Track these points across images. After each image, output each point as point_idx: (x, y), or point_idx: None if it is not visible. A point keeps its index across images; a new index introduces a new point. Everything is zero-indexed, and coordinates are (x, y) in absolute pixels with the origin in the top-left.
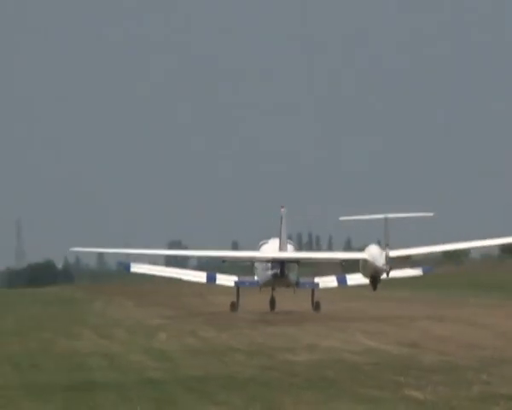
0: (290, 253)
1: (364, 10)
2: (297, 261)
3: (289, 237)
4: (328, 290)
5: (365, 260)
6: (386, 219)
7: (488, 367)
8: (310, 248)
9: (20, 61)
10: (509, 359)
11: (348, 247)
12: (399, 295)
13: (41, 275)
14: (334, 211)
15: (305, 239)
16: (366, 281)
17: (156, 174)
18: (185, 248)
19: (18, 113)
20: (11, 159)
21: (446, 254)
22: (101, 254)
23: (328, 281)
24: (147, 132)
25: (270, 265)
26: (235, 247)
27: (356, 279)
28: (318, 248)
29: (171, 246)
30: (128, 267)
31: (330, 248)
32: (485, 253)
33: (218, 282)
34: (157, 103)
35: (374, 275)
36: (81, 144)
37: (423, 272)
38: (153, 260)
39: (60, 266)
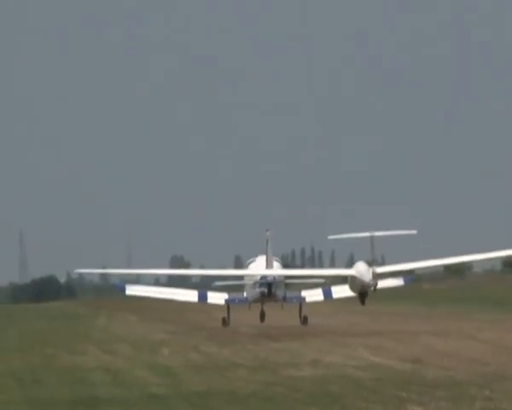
0: (278, 270)
1: (364, 10)
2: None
3: (292, 252)
4: (322, 304)
5: (353, 277)
6: (371, 237)
7: (491, 383)
8: (312, 263)
9: (20, 61)
10: (511, 374)
11: (351, 262)
12: (401, 310)
13: (44, 290)
14: (335, 226)
15: (307, 254)
16: (351, 293)
17: (156, 174)
18: (187, 263)
19: (18, 113)
20: (12, 165)
21: (447, 268)
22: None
23: (314, 294)
24: (147, 132)
25: (258, 283)
26: (237, 261)
27: (341, 292)
28: (320, 264)
29: (173, 261)
30: (123, 289)
31: (333, 264)
32: (488, 267)
33: (209, 300)
34: (157, 103)
35: (361, 291)
36: (81, 145)
37: (404, 282)
38: (156, 277)
39: (62, 281)
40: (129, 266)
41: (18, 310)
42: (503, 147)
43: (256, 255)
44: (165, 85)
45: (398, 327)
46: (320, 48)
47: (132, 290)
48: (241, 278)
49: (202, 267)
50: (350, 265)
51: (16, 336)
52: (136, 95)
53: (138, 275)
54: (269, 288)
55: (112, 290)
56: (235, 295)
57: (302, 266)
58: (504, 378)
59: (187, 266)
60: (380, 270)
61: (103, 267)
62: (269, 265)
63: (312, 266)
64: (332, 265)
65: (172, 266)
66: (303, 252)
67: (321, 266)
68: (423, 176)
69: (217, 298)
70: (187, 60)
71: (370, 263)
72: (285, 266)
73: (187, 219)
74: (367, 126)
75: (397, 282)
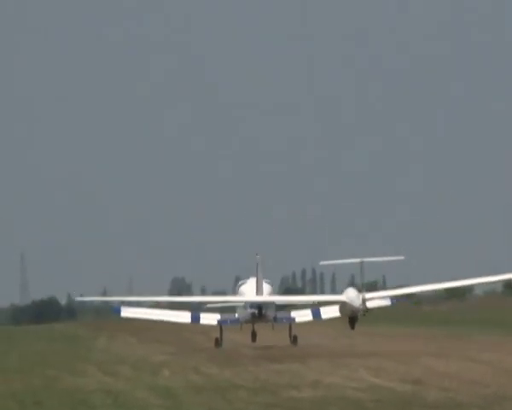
0: (267, 297)
1: (364, 10)
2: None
3: (293, 274)
4: (323, 326)
5: (343, 303)
6: (361, 263)
7: (491, 404)
8: (313, 285)
9: (19, 61)
10: (511, 396)
11: (352, 284)
12: (402, 331)
13: (45, 312)
14: (336, 249)
15: (308, 275)
16: (339, 314)
17: (156, 192)
18: (188, 285)
19: (18, 115)
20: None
21: (448, 290)
22: (105, 291)
23: (303, 315)
24: (146, 133)
25: (248, 304)
26: (238, 281)
27: (329, 312)
28: (322, 286)
29: (174, 283)
30: (118, 311)
31: (334, 286)
32: (489, 289)
33: (202, 321)
34: (157, 103)
35: (351, 316)
36: (81, 159)
37: (391, 303)
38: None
39: (63, 303)
40: (130, 288)
41: (18, 332)
42: (504, 147)
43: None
44: (165, 85)
45: (399, 349)
46: (320, 48)
47: (127, 312)
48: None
49: (203, 289)
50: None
51: (17, 357)
52: (136, 95)
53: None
54: (259, 309)
55: (112, 312)
56: (227, 315)
57: (303, 288)
58: (505, 400)
59: (188, 287)
60: (369, 296)
61: (104, 289)
62: (259, 288)
63: (313, 287)
64: (333, 286)
65: (173, 288)
66: (304, 274)
67: (322, 287)
68: (424, 177)
69: (209, 319)
70: (187, 60)
71: (360, 289)
72: (286, 288)
73: (188, 240)
74: (367, 126)
75: (384, 302)
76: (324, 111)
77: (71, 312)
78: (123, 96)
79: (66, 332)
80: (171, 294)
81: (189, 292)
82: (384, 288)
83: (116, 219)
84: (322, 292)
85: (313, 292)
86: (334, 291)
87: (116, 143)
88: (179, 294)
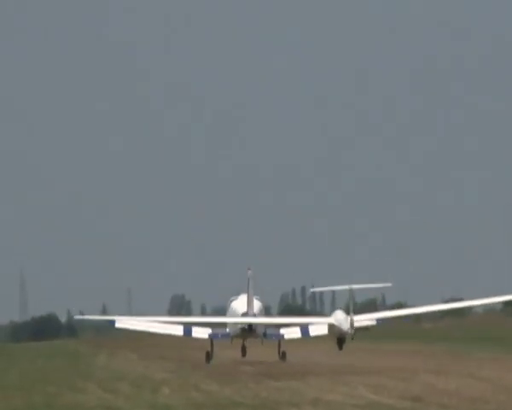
0: (257, 318)
1: (364, 11)
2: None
3: (292, 291)
4: (324, 342)
5: (332, 325)
6: (350, 290)
7: None
8: (313, 302)
9: (20, 61)
10: None
11: (352, 301)
12: (402, 348)
13: (44, 329)
14: (337, 268)
15: (308, 292)
16: (327, 332)
17: (154, 212)
18: (188, 302)
19: (16, 121)
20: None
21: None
22: (104, 308)
23: (292, 332)
24: (147, 137)
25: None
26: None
27: (318, 330)
28: (321, 303)
29: (174, 300)
30: (113, 323)
31: (333, 304)
32: (489, 307)
33: (193, 335)
34: (157, 105)
35: (339, 337)
36: (80, 179)
37: (377, 322)
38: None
39: (63, 319)
40: (129, 304)
41: (18, 348)
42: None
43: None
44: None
45: (399, 365)
46: (321, 50)
47: (122, 323)
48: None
49: (203, 306)
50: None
51: (17, 374)
52: (136, 96)
53: (137, 312)
54: (249, 325)
55: (112, 329)
56: (219, 330)
57: (303, 305)
58: None
59: (188, 304)
60: (357, 318)
61: (103, 305)
62: (249, 304)
63: (313, 305)
64: (333, 304)
65: (173, 305)
66: (303, 290)
67: (322, 305)
68: (425, 178)
69: (201, 333)
70: (187, 61)
71: (348, 312)
72: (286, 305)
73: (187, 257)
74: (369, 129)
75: (370, 322)
76: (324, 113)
77: (71, 329)
78: (123, 97)
79: (66, 349)
80: (171, 311)
81: (188, 309)
82: (384, 305)
83: (115, 235)
84: (323, 309)
85: (313, 309)
86: (334, 308)
87: (113, 167)
88: (179, 311)
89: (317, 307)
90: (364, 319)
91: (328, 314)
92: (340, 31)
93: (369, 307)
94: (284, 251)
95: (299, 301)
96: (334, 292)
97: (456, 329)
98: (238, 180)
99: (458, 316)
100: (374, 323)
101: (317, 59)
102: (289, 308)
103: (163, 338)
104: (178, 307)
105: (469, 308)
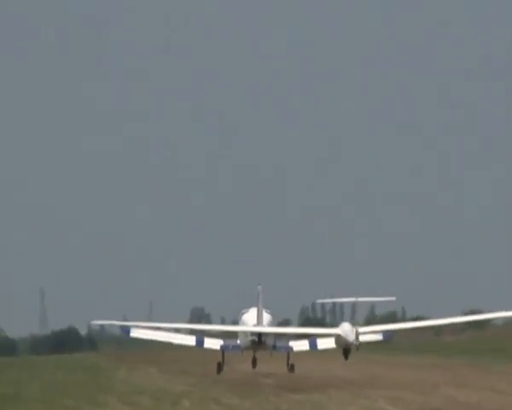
0: (267, 328)
1: (364, 13)
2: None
3: (312, 305)
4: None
5: (338, 335)
6: (355, 302)
7: None
8: (333, 315)
9: (19, 61)
10: None
11: (371, 314)
12: (423, 361)
13: (65, 342)
14: (358, 280)
15: (328, 305)
16: (334, 345)
17: (175, 223)
18: (207, 314)
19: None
20: (31, 219)
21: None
22: (125, 320)
23: (301, 345)
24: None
25: (249, 332)
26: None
27: (326, 343)
28: (341, 316)
29: (194, 312)
30: (128, 332)
31: (353, 316)
32: (509, 319)
33: (205, 345)
34: (157, 104)
35: (345, 347)
36: (98, 193)
37: (384, 338)
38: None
39: (84, 333)
40: (150, 317)
41: (39, 362)
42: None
43: (267, 306)
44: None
45: (419, 378)
46: (320, 50)
47: (137, 333)
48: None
49: (222, 318)
50: (371, 318)
51: (38, 387)
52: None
53: (158, 328)
54: (259, 337)
55: (132, 342)
56: (230, 341)
57: (323, 319)
58: None
59: (207, 317)
60: (362, 330)
61: (124, 319)
62: (259, 316)
63: (333, 318)
64: (353, 317)
65: (193, 318)
66: (323, 304)
67: (342, 318)
68: (426, 180)
69: (213, 344)
70: (187, 64)
71: (354, 324)
72: (305, 319)
73: (206, 270)
74: (374, 137)
75: (376, 337)
76: (325, 116)
77: (91, 342)
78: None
79: (86, 362)
80: (191, 323)
81: (208, 321)
82: (403, 318)
83: (135, 248)
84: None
85: (333, 322)
86: (354, 321)
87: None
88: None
89: (337, 320)
90: (369, 331)
91: None
92: (339, 31)
93: (389, 319)
94: (304, 264)
95: (319, 314)
96: (354, 305)
97: (476, 341)
98: (250, 192)
99: (479, 329)
100: (380, 338)
101: (317, 59)
102: (309, 321)
103: (184, 353)
104: (198, 319)
105: (489, 321)
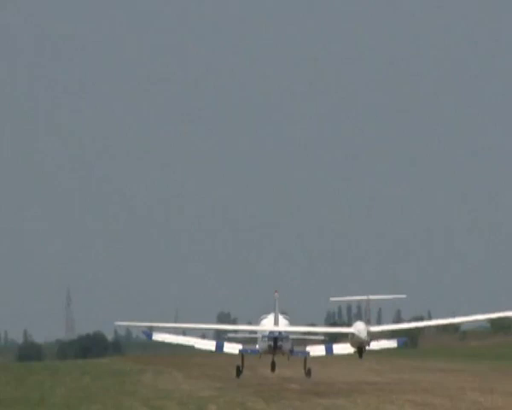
0: (284, 327)
1: (364, 14)
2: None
3: (339, 309)
4: (371, 360)
5: (352, 334)
6: (368, 300)
7: None
8: (359, 318)
9: (20, 61)
10: None
11: (398, 319)
12: (449, 366)
13: (91, 347)
14: (382, 287)
15: (354, 310)
16: (350, 350)
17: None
18: (234, 319)
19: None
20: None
21: (494, 324)
22: (151, 326)
23: (317, 350)
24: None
25: (267, 337)
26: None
27: (341, 349)
28: (368, 320)
29: (220, 317)
30: (150, 336)
31: (379, 320)
32: None
33: (225, 350)
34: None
35: (360, 346)
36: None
37: (398, 344)
38: (202, 332)
39: (110, 338)
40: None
41: (65, 366)
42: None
43: (285, 311)
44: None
45: (445, 383)
46: (321, 50)
47: (158, 337)
48: (254, 330)
49: (249, 324)
50: (397, 321)
51: (64, 392)
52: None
53: (184, 330)
54: (275, 342)
55: (158, 346)
56: (248, 346)
57: (349, 323)
58: None
59: (233, 322)
60: (374, 329)
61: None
62: (276, 321)
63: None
64: (379, 321)
65: (219, 322)
66: (349, 309)
67: (367, 322)
68: (426, 183)
69: (232, 348)
70: (187, 66)
71: (367, 323)
72: (331, 324)
73: (232, 277)
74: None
75: (390, 343)
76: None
77: (117, 347)
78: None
79: (112, 367)
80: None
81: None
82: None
83: (163, 256)
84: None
85: None
86: (380, 324)
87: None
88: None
89: None
90: (381, 330)
91: None
92: (339, 31)
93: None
94: (329, 269)
95: (345, 319)
96: (380, 309)
97: (502, 346)
98: (288, 195)
99: (504, 334)
100: (394, 345)
101: (317, 59)
102: (335, 326)
103: (209, 358)
104: (224, 324)
105: None
